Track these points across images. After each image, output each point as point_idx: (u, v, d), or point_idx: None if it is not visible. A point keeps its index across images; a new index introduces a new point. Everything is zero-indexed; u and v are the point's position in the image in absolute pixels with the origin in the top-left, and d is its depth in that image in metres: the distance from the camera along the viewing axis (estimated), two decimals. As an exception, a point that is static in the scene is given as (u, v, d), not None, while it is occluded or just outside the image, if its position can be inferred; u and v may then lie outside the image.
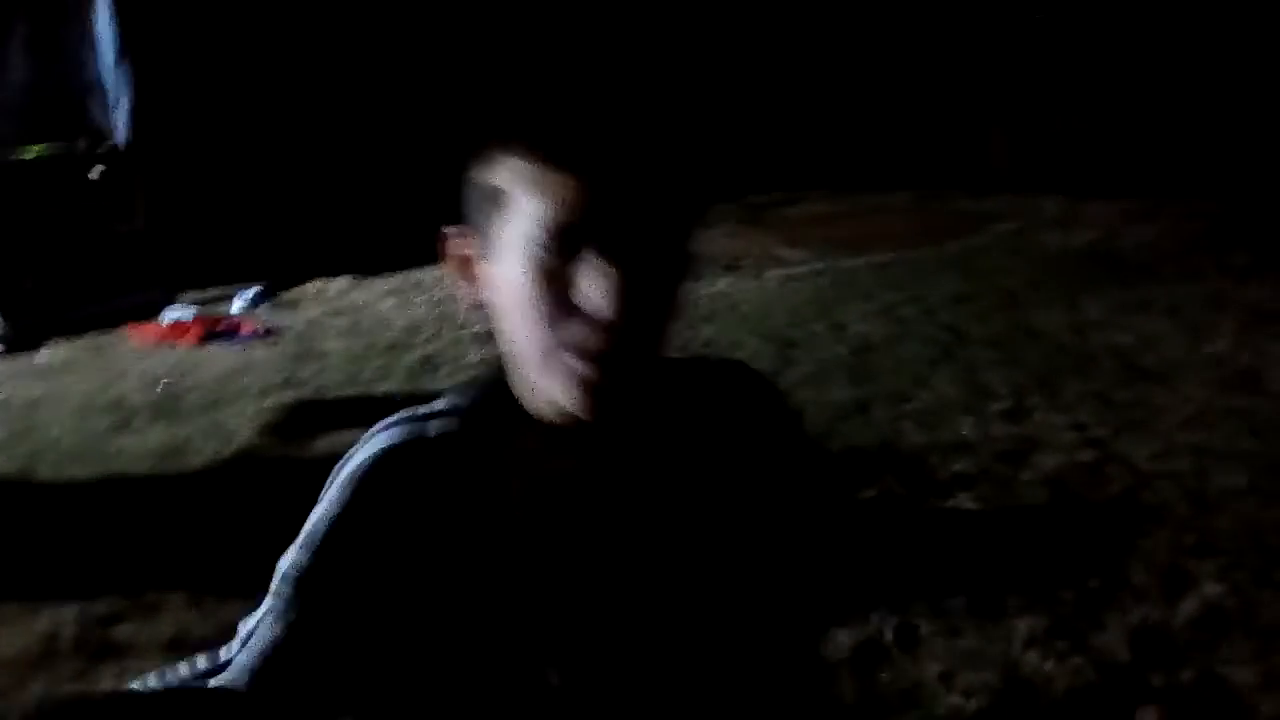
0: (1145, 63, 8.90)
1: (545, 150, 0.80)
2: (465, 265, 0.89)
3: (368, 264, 7.45)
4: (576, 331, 0.80)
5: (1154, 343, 4.98)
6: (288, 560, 0.88)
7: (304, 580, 0.87)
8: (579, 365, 0.80)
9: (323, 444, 4.31)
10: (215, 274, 7.30)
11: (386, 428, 0.91)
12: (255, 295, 7.00)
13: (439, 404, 0.93)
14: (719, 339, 5.50)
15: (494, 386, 0.91)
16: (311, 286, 7.26)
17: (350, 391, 5.11)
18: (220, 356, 5.81)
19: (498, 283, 0.85)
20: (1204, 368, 4.61)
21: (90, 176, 7.11)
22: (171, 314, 6.63)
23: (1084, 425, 4.06)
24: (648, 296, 0.80)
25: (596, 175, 0.79)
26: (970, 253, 7.09)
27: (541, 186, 0.79)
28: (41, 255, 6.67)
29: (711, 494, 0.94)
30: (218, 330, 6.30)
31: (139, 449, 4.42)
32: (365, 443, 0.91)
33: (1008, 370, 4.71)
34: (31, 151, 7.03)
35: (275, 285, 7.20)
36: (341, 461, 0.91)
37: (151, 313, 6.63)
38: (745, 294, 6.42)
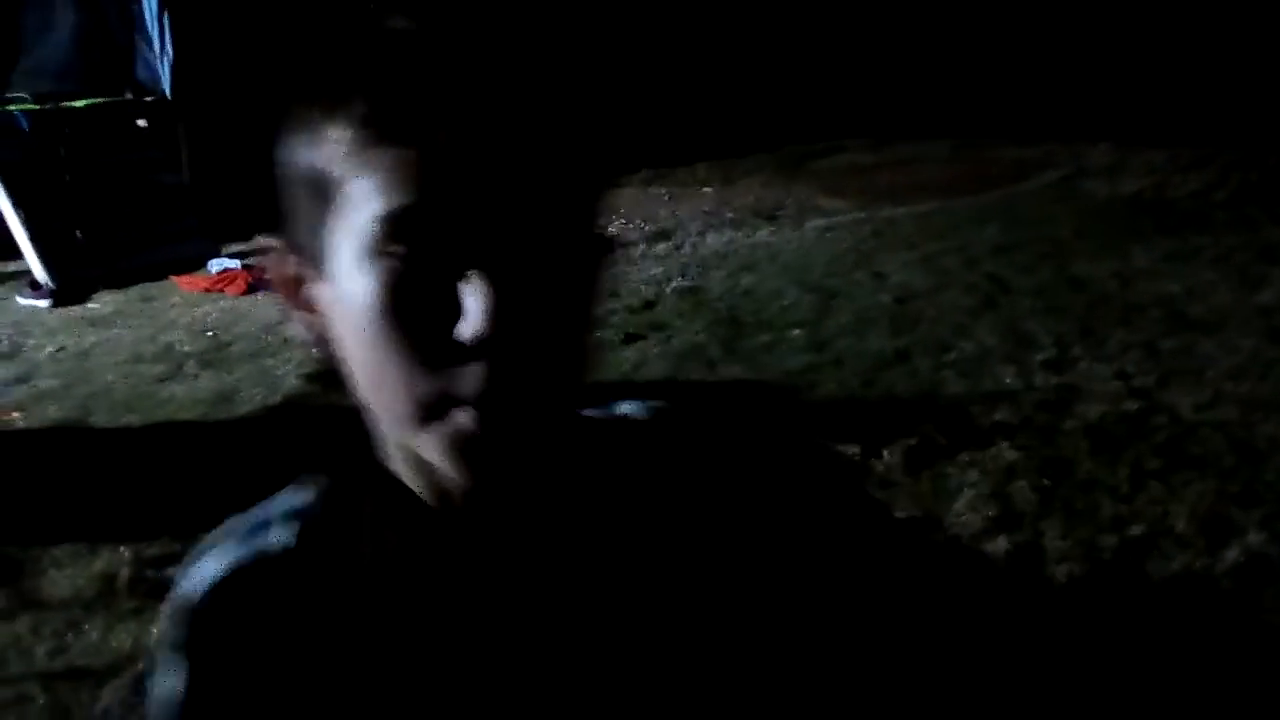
0: (1197, 7, 8.68)
1: (378, 107, 0.54)
2: (295, 288, 0.62)
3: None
4: (444, 366, 0.55)
5: (1202, 292, 4.90)
6: None
7: None
8: (453, 412, 0.56)
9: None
10: (260, 225, 7.37)
11: (207, 551, 0.66)
12: (299, 246, 7.09)
13: (285, 498, 0.68)
14: (758, 288, 5.48)
15: (356, 454, 0.68)
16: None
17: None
18: (266, 306, 5.89)
19: (334, 308, 0.60)
20: (1253, 318, 4.54)
21: (137, 124, 7.21)
22: (218, 264, 6.72)
23: (1129, 375, 4.03)
24: (538, 306, 0.55)
25: (452, 135, 0.53)
26: (1014, 201, 6.99)
27: (376, 160, 0.54)
28: (90, 207, 6.76)
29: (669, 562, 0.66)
30: (263, 280, 6.38)
31: (189, 396, 4.52)
32: (185, 572, 0.66)
33: (1051, 320, 4.66)
34: (79, 104, 7.11)
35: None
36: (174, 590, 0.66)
37: (198, 264, 6.72)
38: (785, 243, 6.39)
